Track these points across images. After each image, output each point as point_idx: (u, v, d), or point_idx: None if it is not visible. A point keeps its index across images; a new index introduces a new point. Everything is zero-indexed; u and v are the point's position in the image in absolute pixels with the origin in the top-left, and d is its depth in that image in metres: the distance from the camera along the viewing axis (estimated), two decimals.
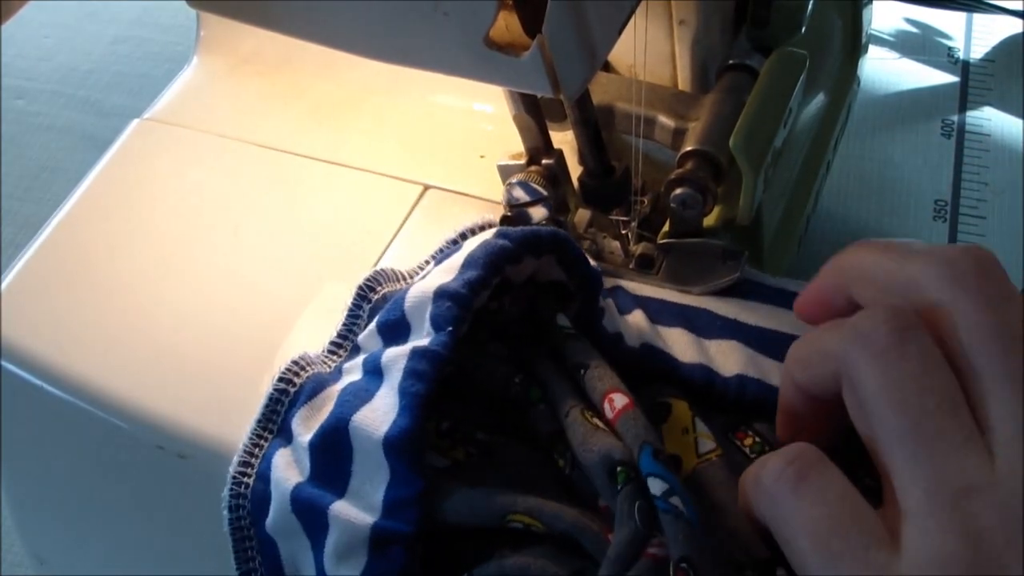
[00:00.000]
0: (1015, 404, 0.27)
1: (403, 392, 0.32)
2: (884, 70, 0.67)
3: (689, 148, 0.38)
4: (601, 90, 0.41)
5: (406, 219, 0.43)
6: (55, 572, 0.49)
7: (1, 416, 0.42)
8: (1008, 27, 0.69)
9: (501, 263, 0.33)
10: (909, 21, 0.70)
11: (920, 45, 0.69)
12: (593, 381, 0.33)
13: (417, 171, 0.44)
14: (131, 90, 0.74)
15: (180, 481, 0.38)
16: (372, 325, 0.36)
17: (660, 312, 0.38)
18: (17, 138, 0.71)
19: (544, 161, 0.38)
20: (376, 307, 0.37)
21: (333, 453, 0.33)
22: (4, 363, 0.40)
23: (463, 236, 0.39)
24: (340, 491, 0.32)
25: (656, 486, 0.30)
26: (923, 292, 0.29)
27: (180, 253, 0.42)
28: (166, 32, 0.78)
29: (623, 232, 0.40)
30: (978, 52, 0.68)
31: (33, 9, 0.80)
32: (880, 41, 0.69)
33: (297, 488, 0.33)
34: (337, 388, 0.35)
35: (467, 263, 0.33)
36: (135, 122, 0.48)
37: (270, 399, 0.35)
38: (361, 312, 0.37)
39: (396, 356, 0.33)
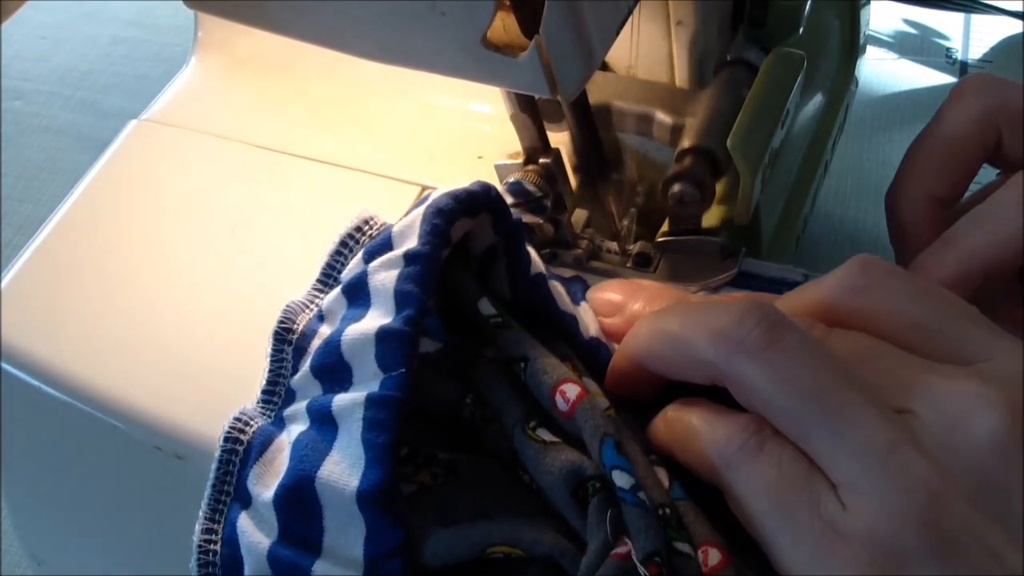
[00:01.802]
0: (856, 444, 0.28)
1: (368, 444, 0.31)
2: (882, 71, 0.67)
3: (687, 145, 0.38)
4: (598, 89, 0.41)
5: None
6: (53, 572, 0.49)
7: (1, 416, 0.42)
8: (1006, 28, 0.69)
9: (434, 274, 0.32)
10: (907, 22, 0.70)
11: (918, 46, 0.69)
12: (537, 376, 0.32)
13: (415, 172, 0.44)
14: (129, 91, 0.74)
15: (178, 482, 0.38)
16: (306, 368, 0.34)
17: None
18: (15, 139, 0.71)
19: (541, 160, 0.38)
20: (298, 346, 0.36)
21: (300, 510, 0.32)
22: (3, 364, 0.40)
23: (345, 245, 0.37)
24: (316, 550, 0.32)
25: (621, 479, 0.29)
26: (713, 368, 0.30)
27: (178, 254, 0.42)
28: (164, 33, 0.78)
29: (620, 231, 0.40)
30: (976, 53, 0.68)
31: (31, 10, 0.80)
32: (878, 42, 0.69)
33: (272, 550, 0.32)
34: (286, 440, 0.34)
35: (401, 298, 0.32)
36: (133, 123, 0.48)
37: (221, 461, 0.34)
38: (285, 355, 0.36)
39: (350, 405, 0.32)
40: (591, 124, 0.38)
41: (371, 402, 0.31)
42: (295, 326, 0.36)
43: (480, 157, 0.44)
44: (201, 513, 0.34)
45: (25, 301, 0.41)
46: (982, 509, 0.27)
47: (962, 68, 0.67)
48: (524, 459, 0.31)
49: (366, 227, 0.37)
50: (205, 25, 0.51)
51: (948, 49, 0.68)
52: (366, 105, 0.48)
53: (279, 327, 0.36)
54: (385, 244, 0.34)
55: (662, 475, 0.31)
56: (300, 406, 0.34)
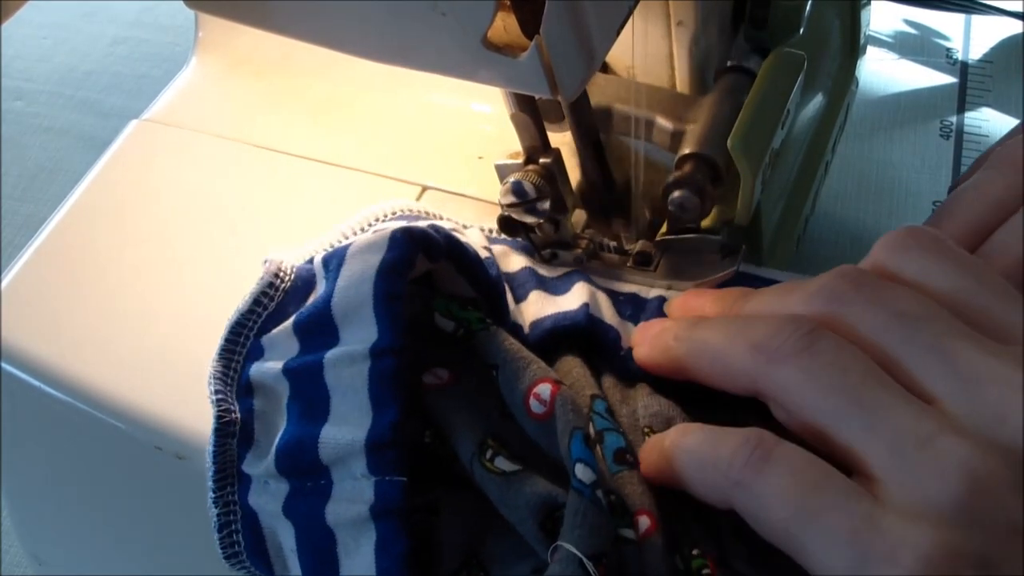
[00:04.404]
0: (946, 365, 0.28)
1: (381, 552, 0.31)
2: (883, 71, 0.67)
3: (687, 151, 0.38)
4: (599, 91, 0.41)
5: None
6: (53, 572, 0.49)
7: (1, 416, 0.42)
8: (1007, 28, 0.69)
9: (407, 370, 0.32)
10: (908, 22, 0.70)
11: (919, 46, 0.69)
12: (510, 383, 0.32)
13: (415, 172, 0.44)
14: (129, 91, 0.74)
15: (178, 482, 0.38)
16: (269, 462, 0.33)
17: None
18: (16, 139, 0.71)
19: (542, 160, 0.38)
20: (242, 436, 0.35)
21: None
22: (3, 364, 0.40)
23: (259, 304, 0.36)
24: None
25: (584, 473, 0.29)
26: (750, 380, 0.30)
27: (178, 254, 0.42)
28: (164, 33, 0.78)
29: (621, 230, 0.40)
30: (976, 53, 0.68)
31: (31, 10, 0.80)
32: (879, 42, 0.69)
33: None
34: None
35: (380, 401, 0.32)
36: (134, 123, 0.48)
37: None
38: (228, 447, 0.34)
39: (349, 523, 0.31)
40: (592, 124, 0.38)
41: (379, 522, 0.31)
42: (231, 406, 0.35)
43: (480, 157, 0.44)
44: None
45: (25, 301, 0.41)
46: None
47: (962, 68, 0.67)
48: (488, 493, 0.31)
49: (278, 281, 0.36)
50: (205, 25, 0.51)
51: (948, 49, 0.68)
52: (366, 105, 0.48)
53: (215, 398, 0.34)
54: (324, 320, 0.33)
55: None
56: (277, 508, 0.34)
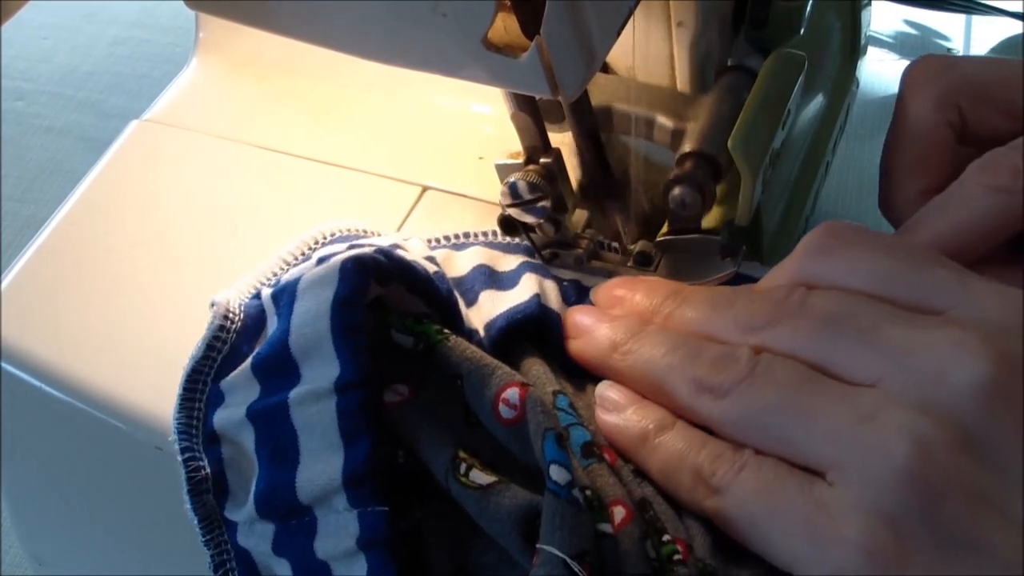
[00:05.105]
0: (877, 350, 0.29)
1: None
2: (883, 72, 0.67)
3: (688, 149, 0.38)
4: (599, 91, 0.41)
5: (405, 220, 0.43)
6: (53, 573, 0.49)
7: (1, 416, 0.42)
8: (1007, 29, 0.69)
9: (375, 402, 0.32)
10: (908, 23, 0.70)
11: (919, 47, 0.69)
12: (477, 391, 0.32)
13: (416, 172, 0.44)
14: (130, 91, 0.74)
15: (178, 482, 0.38)
16: (250, 505, 0.33)
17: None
18: (16, 139, 0.71)
19: (542, 160, 0.38)
20: (216, 489, 0.34)
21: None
22: (4, 364, 0.40)
23: (212, 348, 0.36)
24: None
25: (558, 474, 0.29)
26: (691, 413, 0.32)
27: (179, 254, 0.42)
28: (165, 33, 0.78)
29: (621, 230, 0.40)
30: (976, 53, 0.68)
31: (32, 10, 0.80)
32: (879, 43, 0.69)
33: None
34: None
35: (350, 437, 0.32)
36: (134, 123, 0.48)
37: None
38: (206, 503, 0.34)
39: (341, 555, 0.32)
40: (592, 124, 0.38)
41: (368, 553, 0.31)
42: (199, 461, 0.34)
43: (481, 158, 0.44)
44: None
45: (27, 301, 0.41)
46: (970, 457, 0.26)
47: None
48: (467, 508, 0.31)
49: (229, 323, 0.36)
50: (206, 26, 0.51)
51: (949, 50, 0.68)
52: (366, 105, 0.48)
53: (183, 456, 0.34)
54: (283, 359, 0.33)
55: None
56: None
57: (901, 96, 0.40)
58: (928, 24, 0.70)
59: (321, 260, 0.35)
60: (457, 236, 0.41)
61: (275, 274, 0.38)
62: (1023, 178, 0.33)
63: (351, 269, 0.32)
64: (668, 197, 0.37)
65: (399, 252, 0.35)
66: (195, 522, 0.34)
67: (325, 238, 0.39)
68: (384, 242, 0.37)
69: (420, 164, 0.45)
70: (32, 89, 0.75)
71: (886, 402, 0.28)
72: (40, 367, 0.39)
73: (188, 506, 0.34)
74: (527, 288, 0.37)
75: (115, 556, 0.45)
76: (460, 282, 0.38)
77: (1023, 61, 0.38)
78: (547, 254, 0.40)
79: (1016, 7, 0.68)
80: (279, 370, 0.33)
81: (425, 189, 0.44)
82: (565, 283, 0.39)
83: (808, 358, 0.30)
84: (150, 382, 0.38)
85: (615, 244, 0.40)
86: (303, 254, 0.39)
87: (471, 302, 0.37)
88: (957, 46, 0.68)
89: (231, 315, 0.36)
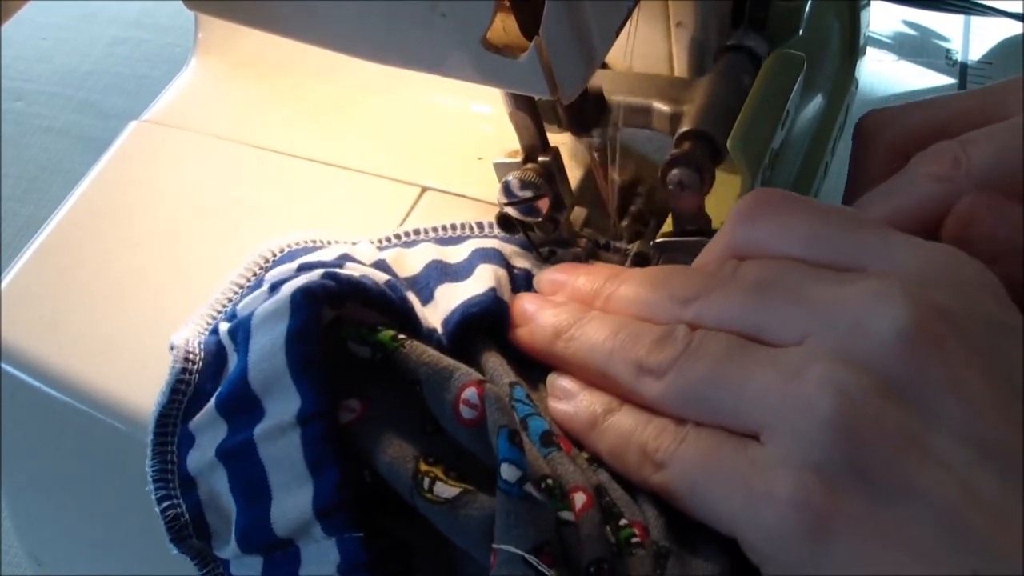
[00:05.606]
0: (802, 309, 0.29)
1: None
2: (882, 72, 0.67)
3: (685, 128, 0.37)
4: (595, 84, 0.41)
5: (404, 220, 0.43)
6: (53, 573, 0.49)
7: (1, 416, 0.42)
8: (1006, 29, 0.69)
9: (335, 434, 0.32)
10: (907, 23, 0.70)
11: (918, 47, 0.69)
12: (436, 395, 0.32)
13: (415, 173, 0.44)
14: (129, 92, 0.74)
15: None
16: (232, 544, 0.33)
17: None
18: (16, 140, 0.71)
19: (540, 159, 0.38)
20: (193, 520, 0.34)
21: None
22: (4, 364, 0.40)
23: (176, 391, 0.35)
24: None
25: (508, 472, 0.29)
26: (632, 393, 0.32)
27: (178, 255, 0.42)
28: (164, 34, 0.78)
29: (620, 226, 0.40)
30: (976, 54, 0.68)
31: (32, 11, 0.80)
32: (878, 43, 0.69)
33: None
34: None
35: (318, 468, 0.32)
36: (133, 123, 0.48)
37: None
38: (188, 542, 0.34)
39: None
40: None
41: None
42: (178, 508, 0.34)
43: (480, 158, 0.44)
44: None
45: (26, 301, 0.41)
46: (896, 403, 0.27)
47: (962, 69, 0.67)
48: (436, 524, 0.31)
49: (190, 364, 0.36)
50: (205, 26, 0.51)
51: (948, 51, 0.68)
52: (366, 105, 0.48)
53: (161, 507, 0.34)
54: (245, 397, 0.33)
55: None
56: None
57: (853, 151, 0.41)
58: (927, 24, 0.70)
59: (274, 287, 0.35)
60: (408, 234, 0.41)
61: (229, 300, 0.38)
62: (963, 168, 0.34)
63: (301, 301, 0.32)
64: (667, 179, 0.37)
65: (349, 265, 0.35)
66: (187, 558, 0.34)
67: (274, 254, 0.39)
68: (333, 253, 0.37)
69: (419, 164, 0.45)
70: (32, 89, 0.75)
71: (810, 358, 0.28)
72: (40, 367, 0.39)
73: (175, 552, 0.34)
74: (483, 280, 0.37)
75: (115, 556, 0.45)
76: (414, 281, 0.38)
77: (978, 94, 0.39)
78: (545, 252, 0.40)
79: (1015, 7, 0.68)
80: (242, 408, 0.33)
81: (424, 189, 0.44)
82: (516, 271, 0.39)
83: (741, 326, 0.30)
84: (150, 382, 0.38)
85: (615, 244, 0.40)
86: (255, 275, 0.39)
87: (427, 299, 0.37)
88: (956, 46, 0.68)
89: (191, 355, 0.36)
